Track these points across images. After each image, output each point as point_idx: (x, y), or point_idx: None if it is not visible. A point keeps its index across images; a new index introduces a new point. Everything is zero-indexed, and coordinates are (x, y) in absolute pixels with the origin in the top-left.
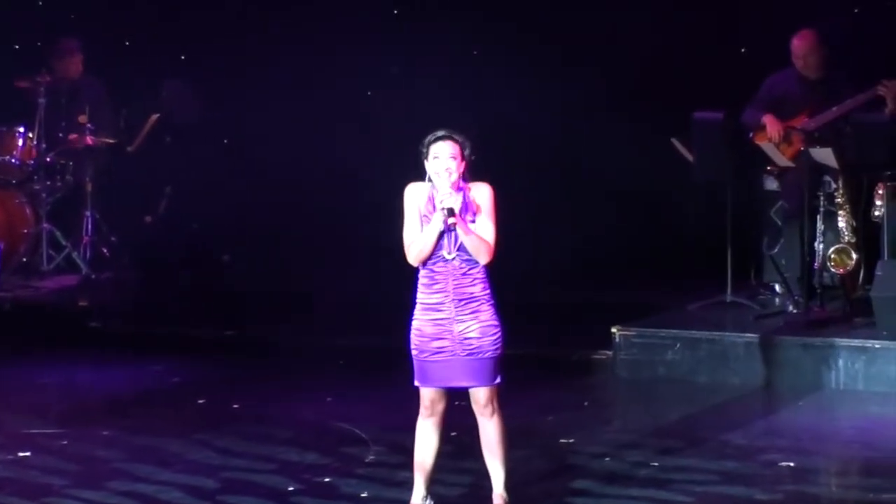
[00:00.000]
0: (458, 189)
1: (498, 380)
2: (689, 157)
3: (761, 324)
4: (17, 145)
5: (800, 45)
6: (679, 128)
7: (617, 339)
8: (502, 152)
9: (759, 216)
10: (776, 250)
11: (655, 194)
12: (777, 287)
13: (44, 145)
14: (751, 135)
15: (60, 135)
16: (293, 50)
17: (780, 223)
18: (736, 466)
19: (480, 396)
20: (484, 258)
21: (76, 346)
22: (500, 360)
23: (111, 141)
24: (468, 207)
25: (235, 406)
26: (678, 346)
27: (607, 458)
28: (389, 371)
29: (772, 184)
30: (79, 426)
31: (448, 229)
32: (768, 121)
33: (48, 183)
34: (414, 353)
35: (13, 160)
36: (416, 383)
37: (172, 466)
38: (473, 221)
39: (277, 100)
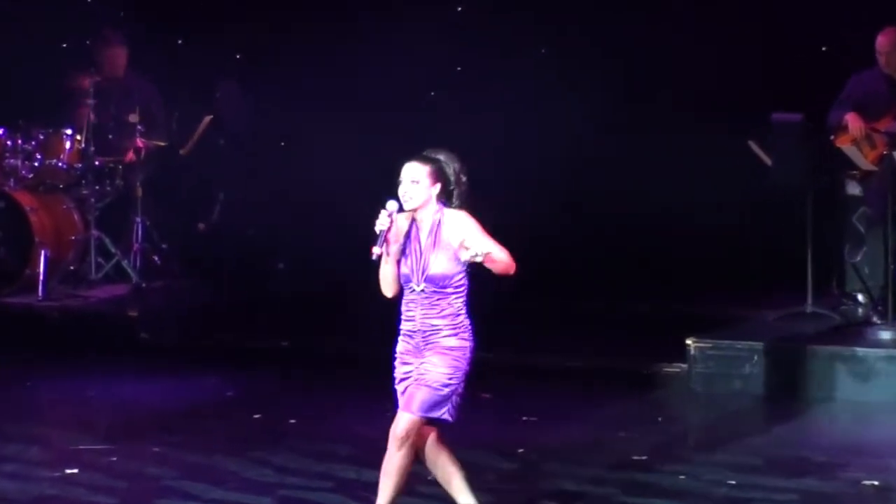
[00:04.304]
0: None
1: (433, 413)
2: (767, 161)
3: (843, 335)
4: (65, 148)
5: (883, 41)
6: (756, 130)
7: (692, 352)
8: (569, 157)
9: (840, 222)
10: (859, 258)
11: (733, 200)
12: (860, 297)
13: (92, 148)
14: (832, 137)
15: (110, 136)
16: (351, 50)
17: (862, 230)
18: (817, 485)
19: (399, 422)
20: (511, 270)
21: (126, 357)
22: (449, 398)
23: (162, 143)
24: (438, 241)
25: (292, 421)
26: (756, 358)
27: (682, 476)
28: None
29: (854, 188)
30: (128, 442)
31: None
32: (850, 118)
33: (97, 188)
34: None
35: (60, 164)
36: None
37: (226, 484)
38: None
39: (334, 102)
